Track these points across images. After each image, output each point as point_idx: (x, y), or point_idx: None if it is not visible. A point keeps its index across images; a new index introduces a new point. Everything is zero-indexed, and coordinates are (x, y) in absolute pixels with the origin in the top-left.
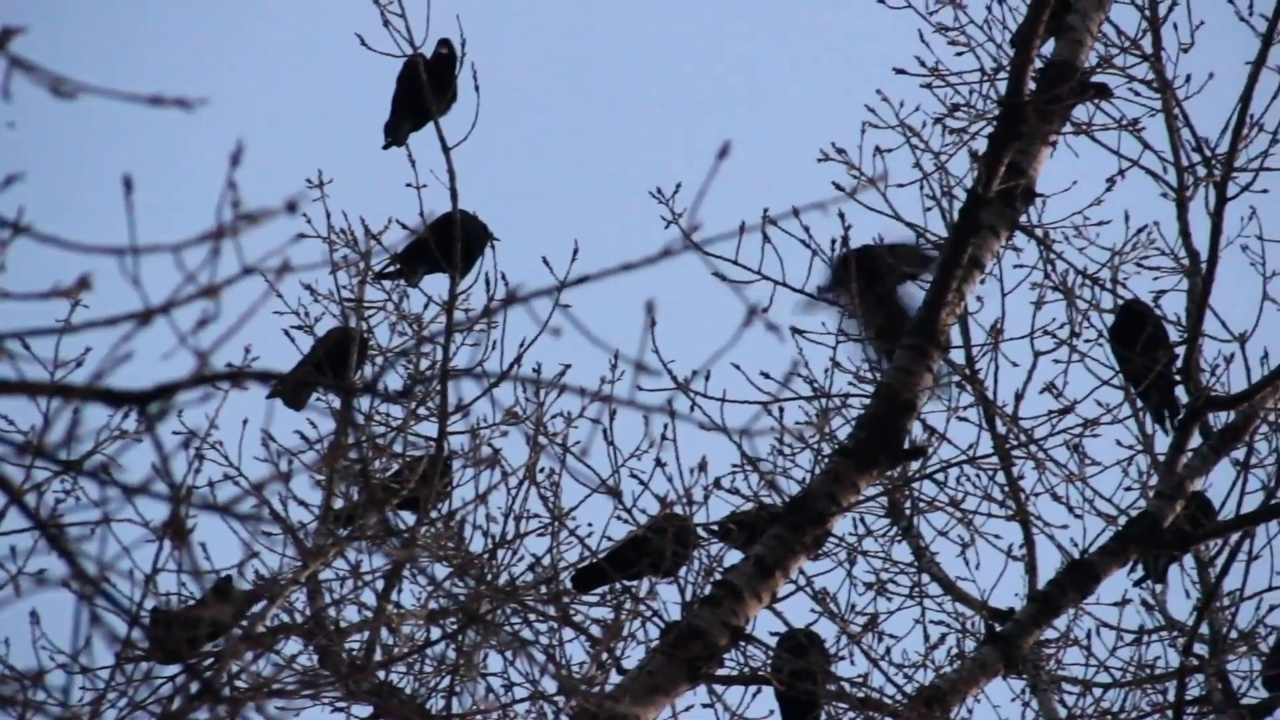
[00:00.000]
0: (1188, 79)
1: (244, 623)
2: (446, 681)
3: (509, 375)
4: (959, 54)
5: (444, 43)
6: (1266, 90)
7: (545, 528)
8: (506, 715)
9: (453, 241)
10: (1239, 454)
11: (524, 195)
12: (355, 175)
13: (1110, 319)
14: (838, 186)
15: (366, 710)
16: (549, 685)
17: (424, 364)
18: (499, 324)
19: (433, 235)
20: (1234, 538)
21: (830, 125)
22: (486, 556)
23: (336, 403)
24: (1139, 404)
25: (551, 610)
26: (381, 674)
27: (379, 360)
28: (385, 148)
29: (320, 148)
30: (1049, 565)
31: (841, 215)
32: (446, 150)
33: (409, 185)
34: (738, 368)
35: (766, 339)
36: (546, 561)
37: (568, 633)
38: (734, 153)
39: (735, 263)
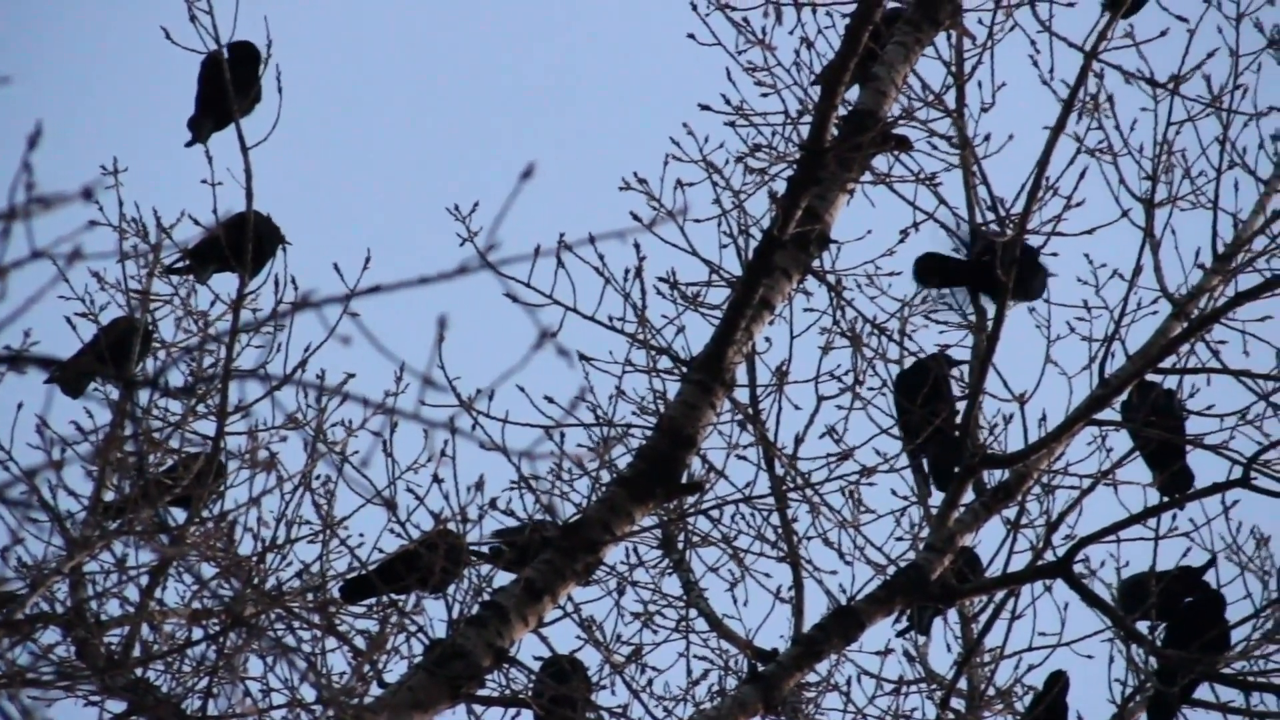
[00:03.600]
0: (988, 138)
1: (2, 610)
2: (205, 682)
3: (292, 379)
4: (765, 95)
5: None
6: (1064, 155)
7: (317, 535)
8: None
9: (245, 241)
10: (1010, 512)
11: (321, 200)
12: (151, 167)
13: (895, 369)
14: (635, 217)
15: (121, 706)
16: (308, 693)
17: (207, 362)
18: (286, 327)
19: (225, 233)
20: (999, 595)
21: (635, 155)
22: (255, 560)
23: (115, 394)
24: (917, 455)
25: (317, 618)
26: (139, 670)
27: (162, 354)
28: (188, 145)
29: (118, 137)
30: (816, 609)
31: (637, 246)
32: (245, 149)
33: (204, 181)
34: (522, 390)
35: (554, 363)
36: (315, 569)
37: (331, 642)
38: (538, 174)
39: (528, 285)
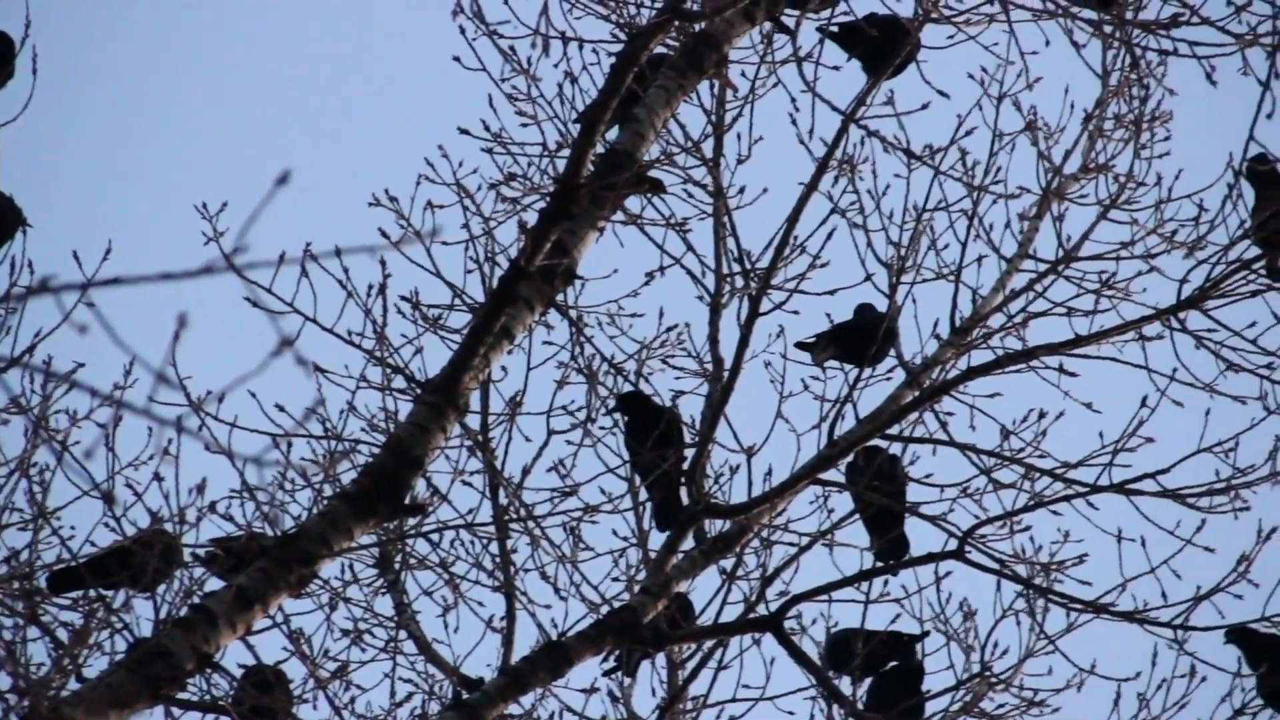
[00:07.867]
0: (742, 190)
1: None
2: None
3: (19, 362)
4: (524, 125)
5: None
6: (816, 215)
7: (28, 523)
8: None
9: None
10: (728, 563)
11: (66, 187)
12: None
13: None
14: (384, 234)
15: None
16: (5, 682)
17: None
18: (19, 310)
19: None
20: (708, 644)
21: (391, 171)
22: None
23: None
24: (642, 497)
25: (20, 606)
26: None
27: None
28: None
29: None
30: (526, 641)
31: (383, 263)
32: None
33: None
34: (254, 396)
35: (289, 372)
36: (24, 557)
37: (33, 632)
38: (292, 181)
39: (270, 291)
